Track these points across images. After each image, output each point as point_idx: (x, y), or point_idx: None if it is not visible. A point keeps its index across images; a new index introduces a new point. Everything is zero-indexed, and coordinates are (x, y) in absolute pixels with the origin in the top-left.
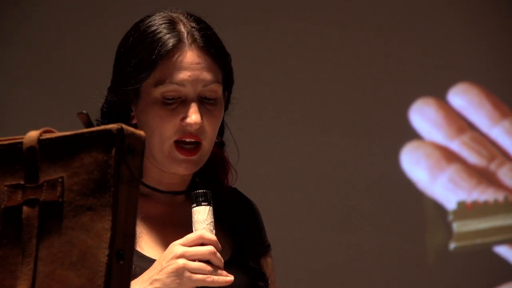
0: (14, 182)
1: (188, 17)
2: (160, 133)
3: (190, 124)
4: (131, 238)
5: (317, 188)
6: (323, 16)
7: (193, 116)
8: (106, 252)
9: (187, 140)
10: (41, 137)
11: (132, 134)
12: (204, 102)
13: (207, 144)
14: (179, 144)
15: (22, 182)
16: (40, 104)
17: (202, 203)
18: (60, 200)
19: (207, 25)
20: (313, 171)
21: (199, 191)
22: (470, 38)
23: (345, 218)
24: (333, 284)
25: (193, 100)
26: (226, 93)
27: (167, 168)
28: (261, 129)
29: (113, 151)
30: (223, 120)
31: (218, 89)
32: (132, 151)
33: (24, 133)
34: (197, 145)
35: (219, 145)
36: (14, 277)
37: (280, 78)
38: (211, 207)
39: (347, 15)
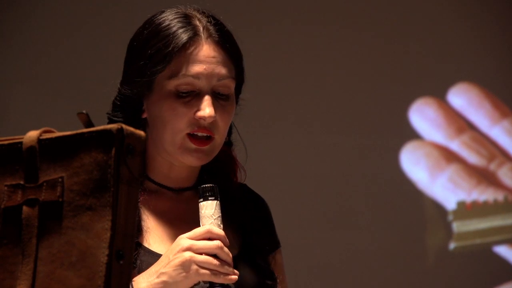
0: (14, 182)
1: (203, 13)
2: (172, 126)
3: (203, 117)
4: (131, 238)
5: (316, 188)
6: (323, 17)
7: (207, 109)
8: (106, 252)
9: (199, 134)
10: (41, 137)
11: (132, 134)
12: (217, 97)
13: (219, 138)
14: (191, 135)
15: (22, 182)
16: (40, 104)
17: (209, 198)
18: (60, 200)
19: (221, 22)
20: (312, 170)
21: (206, 185)
22: (470, 38)
23: (344, 218)
24: (333, 284)
25: (207, 94)
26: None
27: (179, 158)
28: (259, 128)
29: (113, 151)
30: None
31: (231, 84)
32: (131, 151)
33: (24, 133)
34: (209, 138)
35: (227, 144)
36: (14, 277)
37: (279, 79)
38: (218, 202)
39: (347, 15)
